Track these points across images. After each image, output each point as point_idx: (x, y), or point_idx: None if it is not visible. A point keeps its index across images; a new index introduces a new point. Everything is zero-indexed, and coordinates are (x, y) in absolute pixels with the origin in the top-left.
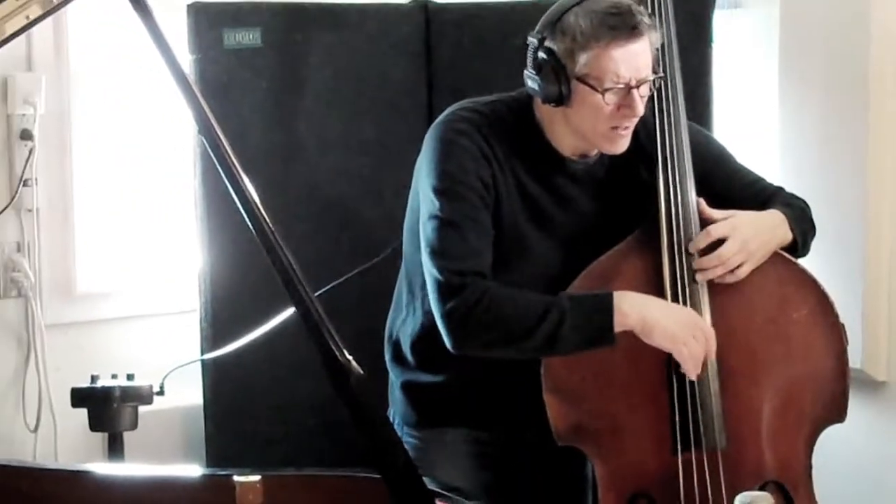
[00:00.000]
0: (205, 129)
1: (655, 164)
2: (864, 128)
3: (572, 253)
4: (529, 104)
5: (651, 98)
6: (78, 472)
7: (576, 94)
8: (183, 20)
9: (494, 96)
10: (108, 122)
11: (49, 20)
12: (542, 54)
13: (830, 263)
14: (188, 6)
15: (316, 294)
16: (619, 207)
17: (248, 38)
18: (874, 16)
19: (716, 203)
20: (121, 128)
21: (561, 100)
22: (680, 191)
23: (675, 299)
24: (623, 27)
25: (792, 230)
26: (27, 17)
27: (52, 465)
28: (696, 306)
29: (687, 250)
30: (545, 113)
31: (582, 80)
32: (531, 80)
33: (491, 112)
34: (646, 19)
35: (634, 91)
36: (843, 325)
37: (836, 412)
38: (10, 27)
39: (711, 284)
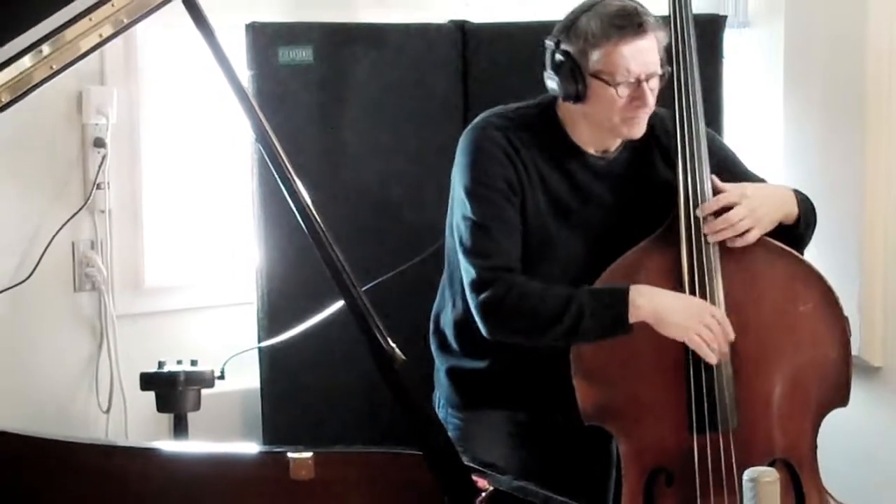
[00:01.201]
0: (261, 138)
1: (675, 164)
2: (861, 135)
3: (594, 244)
4: (552, 106)
5: (672, 100)
6: (146, 449)
7: (591, 90)
8: (242, 39)
9: (522, 103)
10: (173, 130)
11: (120, 38)
12: (558, 56)
13: (830, 258)
14: (246, 26)
15: (363, 288)
16: (638, 201)
17: (300, 55)
18: (870, 34)
19: None
20: (185, 136)
21: (578, 96)
22: (699, 189)
23: (692, 291)
24: (630, 26)
25: (798, 207)
26: (100, 35)
27: (123, 442)
28: (712, 298)
29: (706, 242)
30: (566, 112)
31: (596, 76)
32: (551, 81)
33: (518, 117)
34: (651, 19)
35: (644, 84)
36: (846, 318)
37: (840, 397)
38: (85, 44)
39: (726, 278)
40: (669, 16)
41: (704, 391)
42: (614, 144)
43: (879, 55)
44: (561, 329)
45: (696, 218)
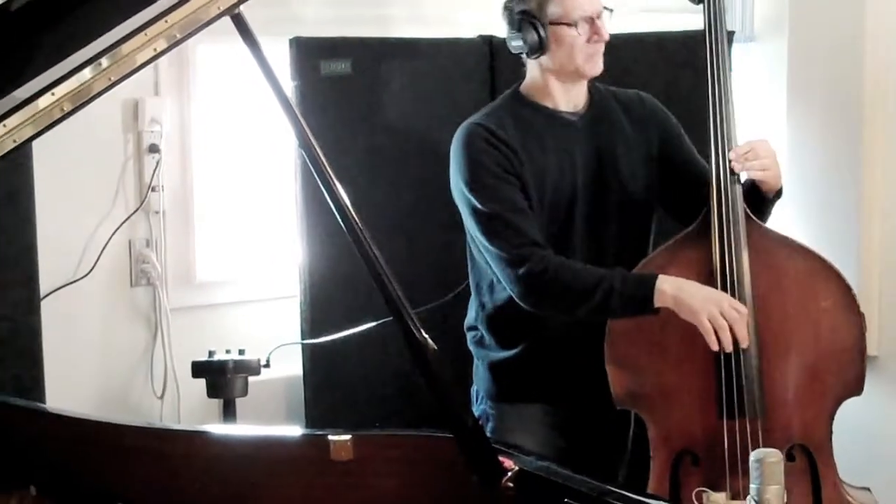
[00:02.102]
0: (304, 143)
1: (709, 163)
2: (858, 142)
3: (592, 183)
4: (517, 89)
5: (706, 108)
6: (198, 431)
7: (553, 37)
8: (286, 52)
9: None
10: (222, 137)
11: (173, 51)
12: (517, 16)
13: (830, 255)
14: (290, 40)
15: (416, 310)
16: (612, 143)
17: (340, 67)
18: (867, 49)
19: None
20: (233, 142)
21: (542, 46)
22: (730, 188)
23: (722, 286)
24: None
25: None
26: (155, 50)
27: (176, 426)
28: (740, 293)
29: (736, 240)
30: (535, 76)
31: (555, 23)
32: (515, 40)
33: (491, 110)
34: None
35: (597, 21)
36: (863, 315)
37: (856, 387)
38: (141, 58)
39: (754, 274)
40: (704, 30)
41: (733, 380)
42: (582, 98)
43: (876, 68)
44: (592, 303)
45: (727, 216)
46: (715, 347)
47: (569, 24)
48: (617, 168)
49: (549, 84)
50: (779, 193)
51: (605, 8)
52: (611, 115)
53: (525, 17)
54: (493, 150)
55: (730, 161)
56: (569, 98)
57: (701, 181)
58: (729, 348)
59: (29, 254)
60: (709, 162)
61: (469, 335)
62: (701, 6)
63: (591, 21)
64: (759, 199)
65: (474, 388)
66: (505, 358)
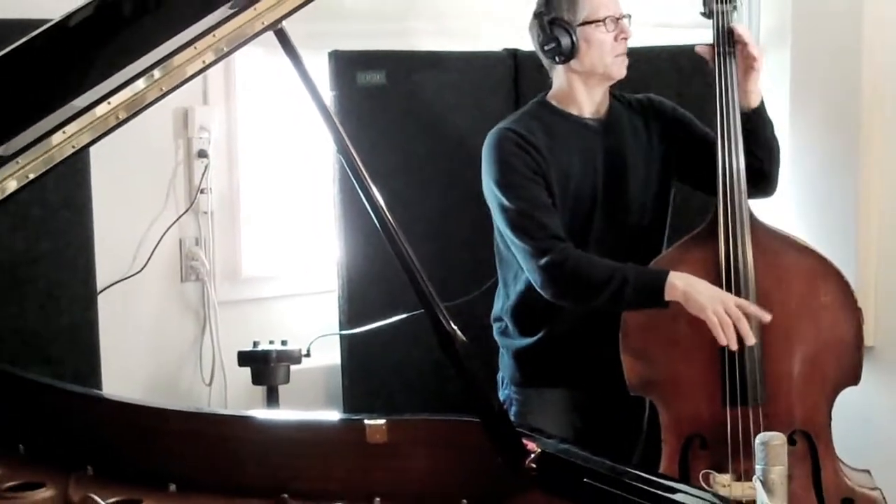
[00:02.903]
0: (341, 149)
1: (716, 170)
2: (857, 145)
3: (611, 184)
4: (544, 97)
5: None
6: (243, 416)
7: (583, 38)
8: (325, 64)
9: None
10: (266, 142)
11: (220, 63)
12: (548, 23)
13: (830, 251)
14: (329, 53)
15: (446, 305)
16: (624, 142)
17: (375, 78)
18: (864, 59)
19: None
20: (276, 147)
21: (574, 49)
22: (737, 198)
23: (728, 282)
24: None
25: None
26: (203, 62)
27: (222, 411)
28: (746, 289)
29: (742, 240)
30: (563, 83)
31: (585, 23)
32: (549, 46)
33: (520, 116)
34: None
35: (622, 20)
36: (860, 310)
37: (853, 376)
38: (191, 69)
39: (758, 271)
40: (714, 42)
41: (737, 370)
42: (604, 105)
43: (873, 75)
44: (607, 293)
45: (733, 219)
46: (723, 342)
47: (597, 22)
48: (635, 170)
49: (576, 89)
50: (761, 106)
51: (626, 14)
52: (628, 120)
53: (557, 23)
54: (522, 153)
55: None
56: (592, 104)
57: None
58: (734, 346)
59: (86, 252)
60: (716, 167)
61: (495, 326)
62: (710, 19)
63: (616, 21)
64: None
65: (500, 375)
66: (526, 345)
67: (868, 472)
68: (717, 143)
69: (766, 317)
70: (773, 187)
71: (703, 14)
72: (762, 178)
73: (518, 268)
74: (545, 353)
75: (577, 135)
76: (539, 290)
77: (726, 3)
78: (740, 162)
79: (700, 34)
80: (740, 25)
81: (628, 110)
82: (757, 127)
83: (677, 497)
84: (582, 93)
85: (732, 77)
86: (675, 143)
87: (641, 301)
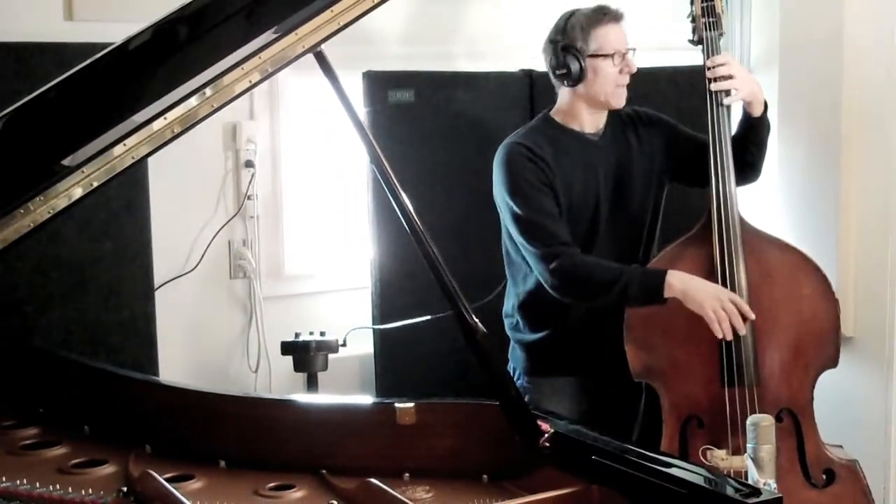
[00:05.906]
0: (374, 159)
1: (709, 178)
2: (838, 158)
3: (612, 193)
4: (548, 114)
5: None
6: (286, 400)
7: (591, 68)
8: (359, 83)
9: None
10: (307, 154)
11: (266, 82)
12: (561, 50)
13: (812, 248)
14: (363, 73)
15: (472, 306)
16: (626, 155)
17: (405, 96)
18: (845, 81)
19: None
20: (316, 158)
21: (581, 74)
22: (728, 197)
23: (721, 278)
24: (610, 13)
25: (764, 108)
26: (250, 81)
27: (267, 395)
28: (736, 284)
29: (734, 241)
30: (567, 102)
31: (595, 55)
32: (560, 71)
33: (527, 131)
34: (620, 11)
35: (627, 55)
36: (837, 300)
37: (833, 359)
38: (238, 88)
39: (747, 268)
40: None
41: (733, 355)
42: (602, 122)
43: (852, 96)
44: (612, 293)
45: (725, 222)
46: (720, 335)
47: (605, 56)
48: (634, 178)
49: (578, 109)
50: (765, 110)
51: (632, 49)
52: (623, 133)
53: (569, 50)
54: (531, 165)
55: (709, 81)
56: (592, 122)
57: (704, 148)
58: (729, 336)
59: (144, 252)
60: (709, 178)
61: (506, 322)
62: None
63: (622, 56)
64: (750, 124)
65: (510, 366)
66: (537, 339)
67: (841, 446)
68: (709, 157)
69: (751, 315)
70: (758, 175)
71: (692, 41)
72: (751, 170)
73: (526, 269)
74: (554, 345)
75: (579, 149)
76: (550, 290)
77: (713, 30)
78: (732, 185)
79: (696, 56)
80: (721, 55)
81: (622, 124)
82: (757, 127)
83: (672, 471)
84: (584, 113)
85: (722, 103)
86: (666, 147)
87: (642, 299)
